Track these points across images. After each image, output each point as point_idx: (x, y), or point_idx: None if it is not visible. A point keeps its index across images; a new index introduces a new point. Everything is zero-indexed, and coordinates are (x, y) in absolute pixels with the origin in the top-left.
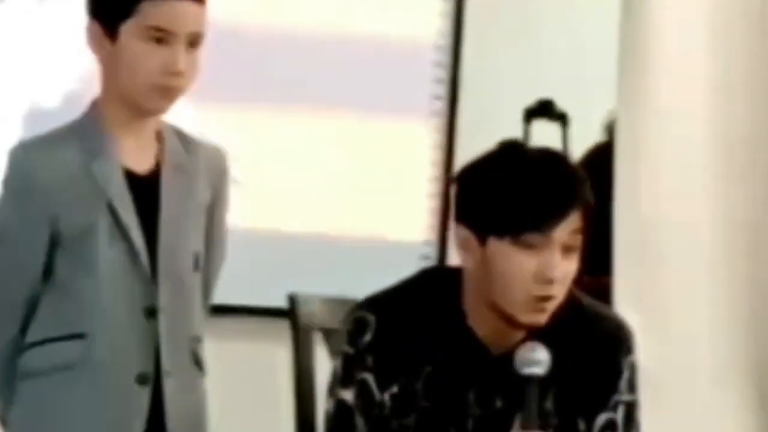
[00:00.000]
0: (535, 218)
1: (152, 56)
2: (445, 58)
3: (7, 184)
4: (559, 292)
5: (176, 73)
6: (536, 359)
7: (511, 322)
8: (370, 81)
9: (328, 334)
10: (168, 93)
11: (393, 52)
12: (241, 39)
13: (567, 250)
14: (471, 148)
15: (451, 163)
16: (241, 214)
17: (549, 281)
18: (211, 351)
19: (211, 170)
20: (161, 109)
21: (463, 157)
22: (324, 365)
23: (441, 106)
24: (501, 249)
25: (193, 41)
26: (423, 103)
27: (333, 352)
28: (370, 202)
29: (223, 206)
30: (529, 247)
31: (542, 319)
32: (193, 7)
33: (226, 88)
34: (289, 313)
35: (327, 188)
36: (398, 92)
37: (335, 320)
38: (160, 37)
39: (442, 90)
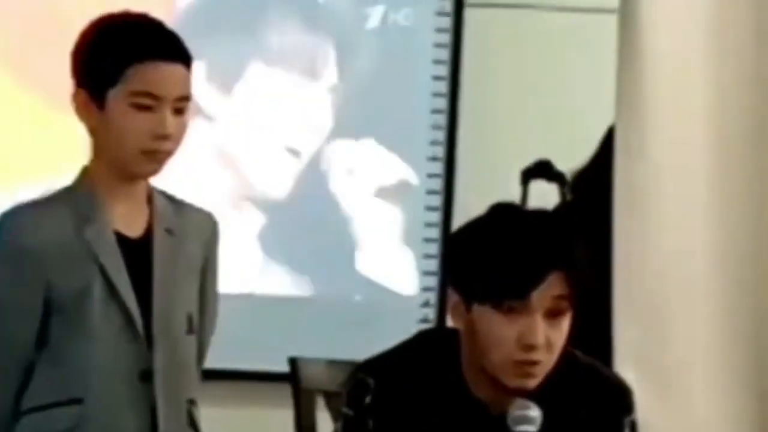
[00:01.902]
0: (511, 284)
1: (140, 121)
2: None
3: None
4: (545, 357)
5: (165, 137)
6: (527, 417)
7: (500, 386)
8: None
9: (330, 398)
10: (157, 157)
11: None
12: None
13: (552, 315)
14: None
15: (449, 224)
16: (239, 278)
17: (531, 347)
18: (212, 416)
19: (201, 233)
20: (151, 174)
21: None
22: (326, 429)
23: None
24: (484, 315)
25: (180, 104)
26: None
27: (334, 415)
28: (368, 263)
29: (215, 269)
30: (509, 312)
31: (530, 384)
32: (180, 71)
33: None
34: (291, 377)
35: (325, 249)
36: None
37: (336, 383)
38: (148, 102)
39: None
